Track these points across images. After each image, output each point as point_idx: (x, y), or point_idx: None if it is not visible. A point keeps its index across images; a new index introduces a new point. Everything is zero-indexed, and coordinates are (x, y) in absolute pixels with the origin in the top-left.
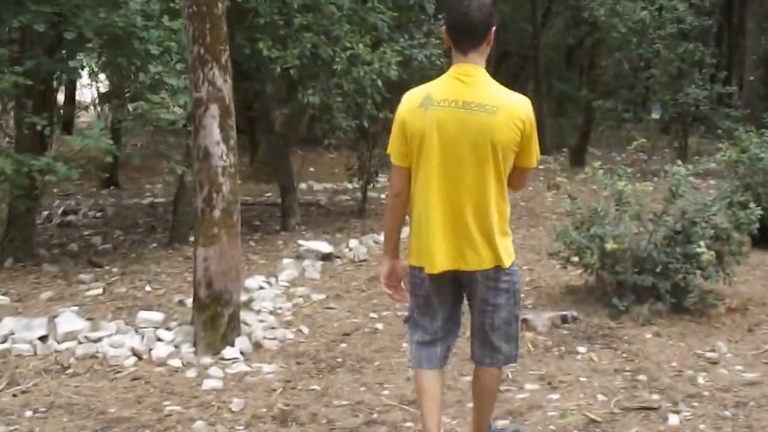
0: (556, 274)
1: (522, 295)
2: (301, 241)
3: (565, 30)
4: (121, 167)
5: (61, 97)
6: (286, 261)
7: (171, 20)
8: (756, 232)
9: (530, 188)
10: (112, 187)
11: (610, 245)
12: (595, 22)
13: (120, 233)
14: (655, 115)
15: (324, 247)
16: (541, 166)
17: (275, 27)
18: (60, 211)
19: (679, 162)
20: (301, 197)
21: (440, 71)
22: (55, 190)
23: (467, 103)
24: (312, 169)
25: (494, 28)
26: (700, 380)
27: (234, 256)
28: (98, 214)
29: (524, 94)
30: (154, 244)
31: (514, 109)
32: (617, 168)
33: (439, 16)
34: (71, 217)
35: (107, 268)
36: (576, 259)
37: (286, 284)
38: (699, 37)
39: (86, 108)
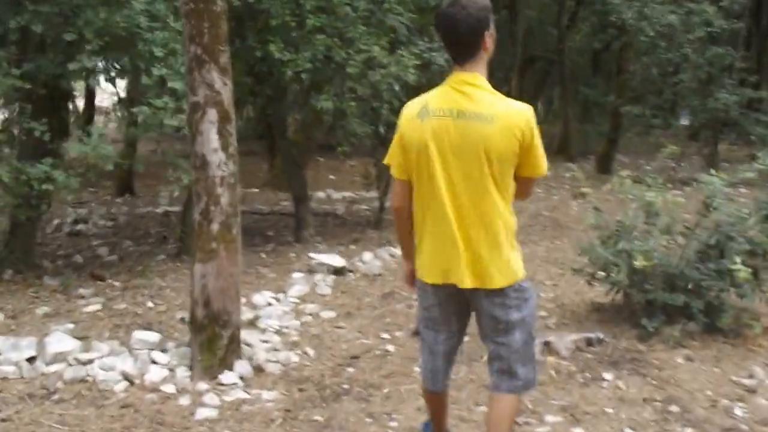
0: (580, 291)
1: (545, 313)
2: (312, 254)
3: (591, 34)
4: (137, 174)
5: (80, 103)
6: (296, 275)
7: (176, 21)
8: None
9: (555, 197)
10: (127, 195)
11: (639, 262)
12: (622, 25)
13: (129, 244)
14: (684, 122)
15: (336, 260)
16: (566, 174)
17: (287, 29)
18: (71, 220)
19: (713, 171)
20: (318, 207)
21: None
22: (69, 198)
23: (463, 112)
24: (332, 177)
25: (488, 32)
26: (738, 411)
27: (233, 273)
28: (110, 224)
29: (550, 99)
30: (162, 256)
31: (512, 117)
32: (646, 177)
33: None
34: (81, 227)
35: (110, 281)
36: (602, 274)
37: (296, 300)
38: (728, 40)
39: (107, 113)
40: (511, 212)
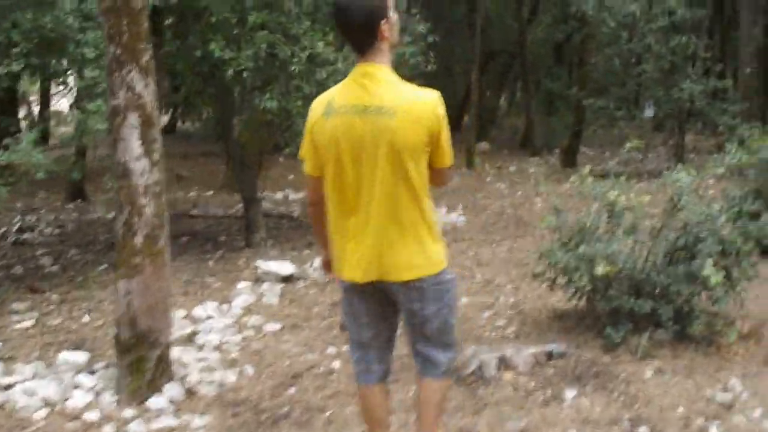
0: (543, 295)
1: (504, 321)
2: (259, 262)
3: (553, 26)
4: (90, 179)
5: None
6: (242, 285)
7: None
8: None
9: (519, 193)
10: (78, 201)
11: (600, 268)
12: (583, 17)
13: (75, 252)
14: (649, 113)
15: (285, 268)
16: (531, 169)
17: (228, 26)
18: (16, 228)
19: (680, 166)
20: (274, 208)
21: (413, 71)
22: (18, 204)
23: (366, 107)
24: (291, 176)
25: (385, 21)
26: (714, 431)
27: (161, 288)
28: (57, 231)
29: (513, 92)
30: (106, 265)
31: (418, 107)
32: (610, 171)
33: (413, 11)
34: (27, 235)
35: (47, 294)
36: (564, 280)
37: (240, 312)
38: (691, 29)
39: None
40: (427, 205)
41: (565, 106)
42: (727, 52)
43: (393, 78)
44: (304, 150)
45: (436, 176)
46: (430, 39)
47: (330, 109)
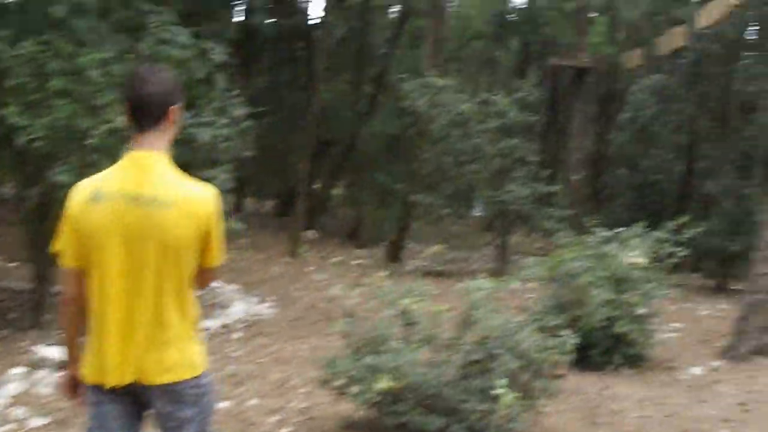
0: (337, 400)
1: (289, 429)
2: (38, 347)
3: (389, 120)
4: None
5: None
6: (16, 371)
7: None
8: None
9: (337, 286)
10: None
11: (382, 383)
12: (416, 112)
13: None
14: (477, 212)
15: (63, 354)
16: (356, 261)
17: (25, 91)
18: None
19: (483, 275)
20: None
21: (226, 154)
22: None
23: (139, 196)
24: None
25: (176, 106)
26: None
27: None
28: None
29: (347, 183)
30: None
31: (192, 202)
32: (430, 270)
33: (234, 92)
34: None
35: None
36: (354, 389)
37: (6, 401)
38: (523, 133)
39: None
40: (193, 303)
41: (397, 200)
42: (560, 157)
43: (170, 168)
44: (62, 240)
45: (202, 276)
46: (247, 123)
47: (99, 194)
